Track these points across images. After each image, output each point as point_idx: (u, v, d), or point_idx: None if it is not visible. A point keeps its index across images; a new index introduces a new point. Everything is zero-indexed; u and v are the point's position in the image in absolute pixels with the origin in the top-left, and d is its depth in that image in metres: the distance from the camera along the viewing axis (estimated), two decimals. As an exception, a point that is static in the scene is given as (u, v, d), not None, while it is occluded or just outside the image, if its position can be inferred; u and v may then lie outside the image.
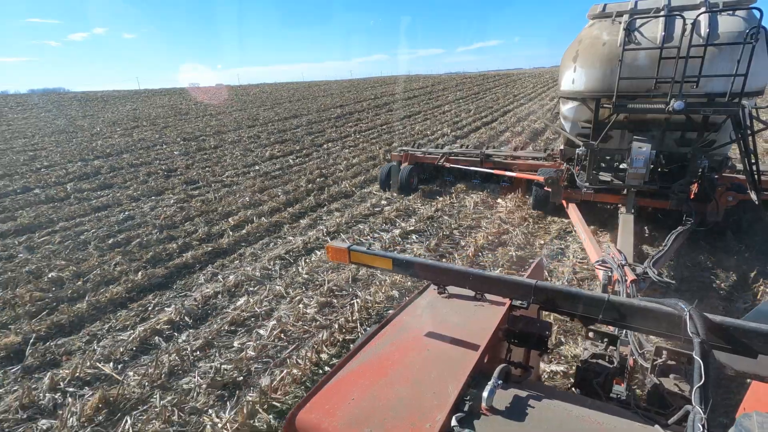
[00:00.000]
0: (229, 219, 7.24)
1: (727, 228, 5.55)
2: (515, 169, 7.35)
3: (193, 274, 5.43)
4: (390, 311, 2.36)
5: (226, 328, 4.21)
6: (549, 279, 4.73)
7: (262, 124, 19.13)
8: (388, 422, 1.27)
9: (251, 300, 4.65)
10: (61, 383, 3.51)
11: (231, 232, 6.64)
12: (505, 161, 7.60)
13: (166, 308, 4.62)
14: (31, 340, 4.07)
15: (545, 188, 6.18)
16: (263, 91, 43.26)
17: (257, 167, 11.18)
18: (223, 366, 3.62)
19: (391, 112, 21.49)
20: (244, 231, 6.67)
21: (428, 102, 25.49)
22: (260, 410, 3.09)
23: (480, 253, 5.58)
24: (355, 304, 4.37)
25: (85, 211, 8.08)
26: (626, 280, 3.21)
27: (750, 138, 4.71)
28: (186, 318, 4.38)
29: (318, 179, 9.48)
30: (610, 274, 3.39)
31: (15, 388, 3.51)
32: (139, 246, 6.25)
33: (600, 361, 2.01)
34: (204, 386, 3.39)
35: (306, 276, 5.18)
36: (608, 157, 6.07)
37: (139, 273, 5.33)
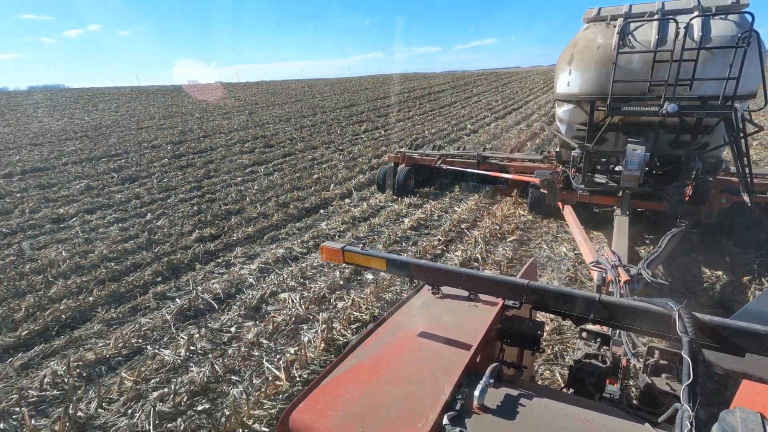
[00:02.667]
0: (383, 158, 11.69)
1: (721, 229, 5.60)
2: (512, 171, 7.48)
3: (385, 181, 9.88)
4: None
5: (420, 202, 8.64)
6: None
7: (330, 111, 23.59)
8: (381, 422, 1.29)
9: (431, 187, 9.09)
10: (342, 224, 7.73)
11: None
12: (502, 163, 7.71)
13: (375, 195, 8.84)
14: (316, 203, 8.44)
15: (541, 190, 6.34)
16: (301, 87, 47.83)
17: (362, 136, 15.63)
18: (418, 216, 7.98)
19: (432, 102, 25.96)
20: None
21: (457, 95, 29.94)
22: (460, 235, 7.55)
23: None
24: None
25: (277, 157, 12.53)
26: (620, 281, 3.27)
27: (743, 140, 4.75)
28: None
29: (418, 139, 13.96)
30: (604, 275, 3.43)
31: (317, 226, 7.81)
32: (338, 170, 10.69)
33: (593, 360, 2.01)
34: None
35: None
36: (603, 160, 6.22)
37: (349, 182, 9.68)
